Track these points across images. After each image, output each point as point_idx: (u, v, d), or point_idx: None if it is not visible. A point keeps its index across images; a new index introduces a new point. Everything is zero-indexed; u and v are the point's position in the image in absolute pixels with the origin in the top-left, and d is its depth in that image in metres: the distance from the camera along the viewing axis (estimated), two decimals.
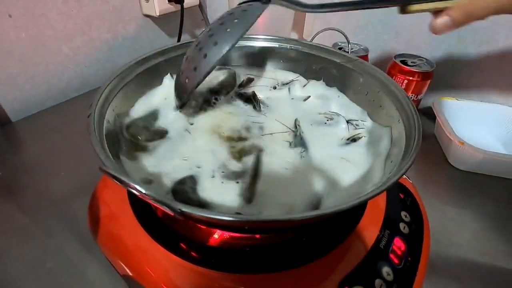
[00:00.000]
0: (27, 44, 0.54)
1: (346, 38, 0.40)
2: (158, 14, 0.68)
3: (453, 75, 0.59)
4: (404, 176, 0.39)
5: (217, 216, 0.18)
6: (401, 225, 0.32)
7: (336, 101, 0.39)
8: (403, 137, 0.28)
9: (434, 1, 0.27)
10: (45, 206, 0.40)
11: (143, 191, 0.16)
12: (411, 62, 0.49)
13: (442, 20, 0.27)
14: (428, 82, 0.49)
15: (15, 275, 0.32)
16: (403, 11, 0.28)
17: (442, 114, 0.51)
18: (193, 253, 0.28)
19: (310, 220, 0.21)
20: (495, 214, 0.43)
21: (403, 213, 0.33)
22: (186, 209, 0.18)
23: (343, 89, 0.40)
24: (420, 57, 0.50)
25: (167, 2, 0.68)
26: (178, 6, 0.68)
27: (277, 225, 0.23)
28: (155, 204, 0.18)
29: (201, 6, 0.80)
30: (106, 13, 0.63)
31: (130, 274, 0.29)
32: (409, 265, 0.30)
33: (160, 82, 0.38)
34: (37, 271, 0.33)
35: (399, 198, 0.35)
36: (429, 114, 0.57)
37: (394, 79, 0.50)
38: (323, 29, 0.43)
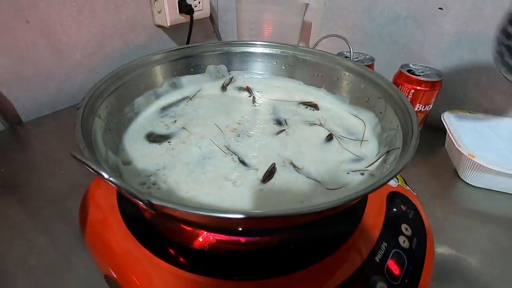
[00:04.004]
0: (42, 49, 0.57)
1: (348, 44, 0.39)
2: (169, 24, 0.70)
3: (465, 87, 0.56)
4: (408, 188, 0.37)
5: (188, 210, 0.17)
6: (401, 239, 0.30)
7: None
8: (401, 140, 0.27)
9: None
10: (41, 203, 0.40)
11: (108, 177, 0.16)
12: (419, 72, 0.47)
13: None
14: (436, 92, 0.47)
15: None
16: None
17: (453, 127, 0.48)
18: (180, 258, 0.27)
19: (283, 219, 0.20)
20: (508, 234, 0.39)
21: (403, 226, 0.31)
22: (156, 201, 0.17)
23: (344, 95, 0.39)
24: (427, 66, 0.49)
25: (178, 13, 0.70)
26: (189, 17, 0.70)
27: (250, 223, 0.21)
28: (126, 195, 0.18)
29: (212, 19, 0.82)
30: (119, 23, 0.66)
31: (114, 276, 0.28)
32: (408, 281, 0.27)
33: (159, 85, 0.39)
34: (22, 268, 0.32)
35: (400, 210, 0.33)
36: (439, 127, 0.55)
37: (400, 89, 0.48)
38: (324, 36, 0.43)
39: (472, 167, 0.44)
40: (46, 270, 0.33)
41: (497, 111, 0.54)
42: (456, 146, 0.45)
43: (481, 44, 0.52)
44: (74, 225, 0.33)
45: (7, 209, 0.40)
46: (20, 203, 0.41)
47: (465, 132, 0.48)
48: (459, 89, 0.57)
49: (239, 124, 0.36)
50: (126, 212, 0.30)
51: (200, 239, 0.28)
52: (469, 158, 0.43)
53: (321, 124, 0.36)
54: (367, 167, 0.29)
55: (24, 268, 0.33)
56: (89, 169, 0.17)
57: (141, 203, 0.17)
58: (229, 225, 0.21)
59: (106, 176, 0.16)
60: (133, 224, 0.29)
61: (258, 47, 0.43)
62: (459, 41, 0.53)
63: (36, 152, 0.51)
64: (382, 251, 0.28)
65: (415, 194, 0.36)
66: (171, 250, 0.28)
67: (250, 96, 0.41)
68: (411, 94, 0.47)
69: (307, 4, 0.62)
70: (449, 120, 0.50)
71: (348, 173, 0.29)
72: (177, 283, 0.26)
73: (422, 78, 0.46)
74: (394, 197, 0.34)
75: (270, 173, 0.28)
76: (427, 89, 0.46)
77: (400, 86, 0.48)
